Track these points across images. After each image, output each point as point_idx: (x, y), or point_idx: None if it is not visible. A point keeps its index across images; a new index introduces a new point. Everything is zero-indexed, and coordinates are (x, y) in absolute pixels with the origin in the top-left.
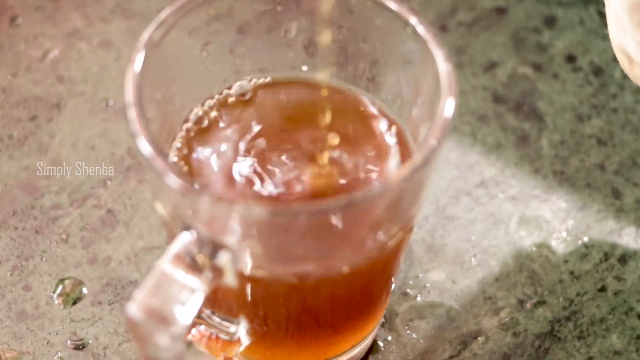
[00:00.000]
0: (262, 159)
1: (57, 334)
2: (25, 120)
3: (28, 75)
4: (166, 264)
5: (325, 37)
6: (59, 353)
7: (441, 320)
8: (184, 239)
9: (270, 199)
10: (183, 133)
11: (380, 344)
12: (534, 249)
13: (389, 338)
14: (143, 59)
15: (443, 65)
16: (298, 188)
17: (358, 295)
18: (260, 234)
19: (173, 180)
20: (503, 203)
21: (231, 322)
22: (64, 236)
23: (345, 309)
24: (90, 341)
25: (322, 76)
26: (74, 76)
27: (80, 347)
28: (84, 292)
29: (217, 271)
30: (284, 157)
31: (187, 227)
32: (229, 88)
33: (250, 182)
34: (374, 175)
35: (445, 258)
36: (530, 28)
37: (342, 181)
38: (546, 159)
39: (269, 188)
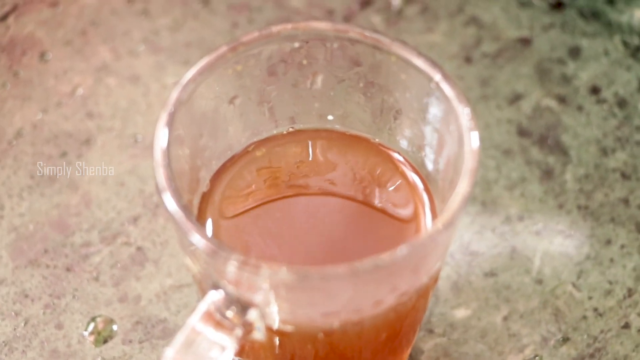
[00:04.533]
0: (289, 212)
1: None
2: (55, 157)
3: (58, 111)
4: (196, 322)
5: (350, 88)
6: None
7: (467, 358)
8: (213, 297)
9: (298, 256)
10: (209, 187)
11: None
12: (557, 285)
13: None
14: (171, 119)
15: (466, 124)
16: (325, 244)
17: (385, 341)
18: (289, 294)
19: (199, 241)
20: (527, 239)
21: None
22: (94, 274)
23: (372, 355)
24: None
25: (347, 125)
26: (103, 112)
27: None
28: (114, 330)
29: (247, 328)
30: (311, 212)
31: (215, 286)
32: (257, 139)
33: (277, 236)
34: (398, 232)
35: (470, 295)
36: (555, 59)
37: (368, 236)
38: (570, 193)
39: (295, 243)
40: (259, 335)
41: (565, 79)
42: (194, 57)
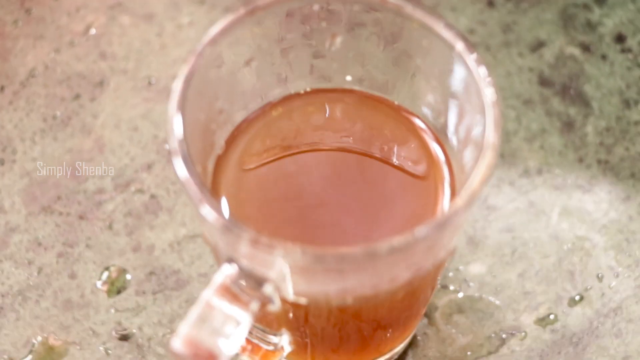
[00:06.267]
0: (305, 175)
1: (102, 324)
2: (68, 100)
3: (71, 51)
4: (211, 295)
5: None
6: (105, 344)
7: (480, 315)
8: (227, 271)
9: (314, 223)
10: (224, 149)
11: (419, 338)
12: (574, 242)
13: (428, 332)
14: (186, 87)
15: (489, 97)
16: (342, 210)
17: (400, 309)
18: (304, 272)
19: (210, 215)
20: (545, 193)
21: (274, 334)
22: (108, 222)
23: (389, 322)
24: (134, 331)
25: (366, 87)
26: (116, 52)
27: (125, 337)
28: (128, 280)
29: (262, 301)
30: (327, 174)
31: (229, 260)
32: (274, 101)
33: (293, 199)
34: (416, 201)
35: (486, 250)
36: (580, 4)
37: (386, 203)
38: (591, 146)
39: (311, 208)
40: (273, 306)
41: (590, 26)
42: None
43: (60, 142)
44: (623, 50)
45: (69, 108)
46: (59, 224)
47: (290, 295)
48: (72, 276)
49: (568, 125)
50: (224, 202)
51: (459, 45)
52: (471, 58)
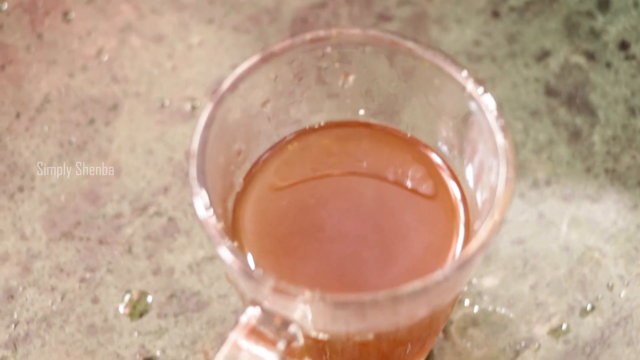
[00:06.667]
0: (323, 209)
1: (126, 347)
2: (83, 125)
3: (84, 76)
4: (238, 336)
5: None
6: None
7: (494, 328)
8: (252, 312)
9: (331, 266)
10: (243, 186)
11: (435, 352)
12: (584, 252)
13: (444, 346)
14: (205, 139)
15: (500, 138)
16: (357, 250)
17: (420, 330)
18: (325, 314)
19: (233, 262)
20: (554, 204)
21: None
22: (127, 246)
23: (408, 341)
24: (158, 354)
25: (380, 119)
26: (128, 75)
27: None
28: (149, 304)
29: (289, 340)
30: (344, 208)
31: (253, 302)
32: (289, 136)
33: (312, 235)
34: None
35: (498, 263)
36: (584, 12)
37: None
38: (598, 156)
39: (330, 245)
40: (297, 344)
41: (594, 34)
42: (218, 15)
43: (78, 168)
44: (627, 58)
45: (84, 133)
46: (79, 249)
47: (312, 332)
48: (95, 301)
49: (575, 135)
50: (244, 238)
51: (470, 86)
52: (481, 98)
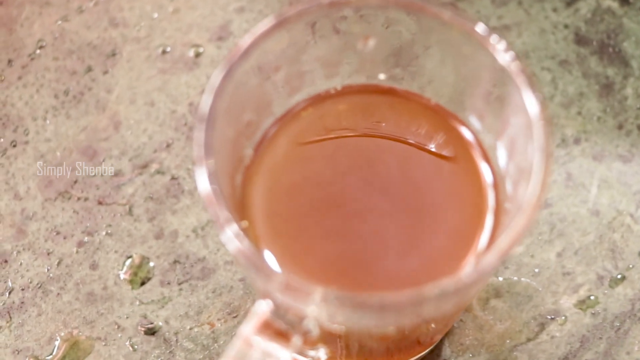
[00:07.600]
0: (338, 188)
1: (127, 317)
2: (79, 73)
3: (79, 18)
4: (250, 332)
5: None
6: (131, 339)
7: (518, 300)
8: (263, 307)
9: (348, 252)
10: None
11: (456, 325)
12: (615, 217)
13: (465, 319)
14: (214, 111)
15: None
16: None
17: (444, 320)
18: (341, 313)
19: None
20: (584, 164)
21: (311, 349)
22: (127, 207)
23: (428, 333)
24: (161, 324)
25: (400, 84)
26: (127, 18)
27: (151, 331)
28: (151, 270)
29: (304, 335)
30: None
31: (264, 295)
32: (303, 102)
33: (325, 221)
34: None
35: None
36: None
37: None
38: (631, 111)
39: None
40: (312, 336)
41: None
42: None
43: (74, 120)
44: None
45: (81, 82)
46: (77, 210)
47: (327, 324)
48: (94, 267)
49: (607, 88)
50: (254, 217)
51: (505, 57)
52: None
